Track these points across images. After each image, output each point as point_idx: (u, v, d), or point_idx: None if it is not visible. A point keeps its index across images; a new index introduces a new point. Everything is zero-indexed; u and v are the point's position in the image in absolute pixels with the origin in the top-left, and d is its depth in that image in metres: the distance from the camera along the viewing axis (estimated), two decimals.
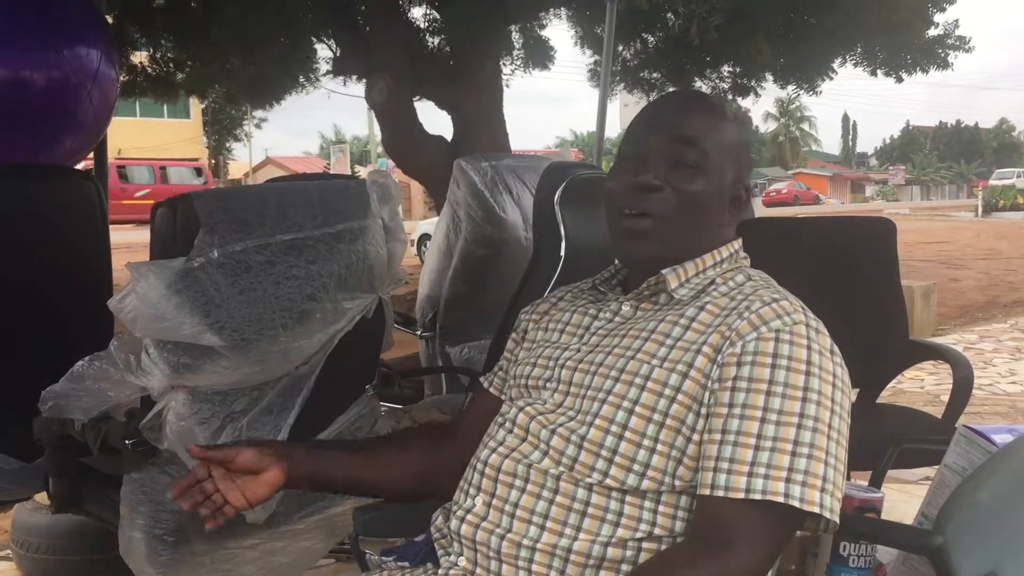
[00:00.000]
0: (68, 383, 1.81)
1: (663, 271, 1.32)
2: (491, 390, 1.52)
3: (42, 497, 2.44)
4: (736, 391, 1.19)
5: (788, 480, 1.13)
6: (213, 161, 38.96)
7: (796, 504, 1.13)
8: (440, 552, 1.34)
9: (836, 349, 1.24)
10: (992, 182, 48.77)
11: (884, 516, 1.61)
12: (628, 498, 1.22)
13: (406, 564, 1.40)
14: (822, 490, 1.14)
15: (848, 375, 1.23)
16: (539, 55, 9.58)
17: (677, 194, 1.29)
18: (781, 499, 1.13)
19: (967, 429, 1.56)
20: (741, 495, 1.14)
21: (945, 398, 2.80)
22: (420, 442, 1.53)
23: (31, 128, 3.37)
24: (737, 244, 1.38)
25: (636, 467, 1.22)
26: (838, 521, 1.16)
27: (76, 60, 3.43)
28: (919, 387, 5.41)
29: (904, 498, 3.08)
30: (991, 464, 1.43)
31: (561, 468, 1.25)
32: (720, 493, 1.16)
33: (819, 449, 1.15)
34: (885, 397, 3.04)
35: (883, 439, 2.16)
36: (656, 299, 1.34)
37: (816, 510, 1.14)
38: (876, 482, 2.11)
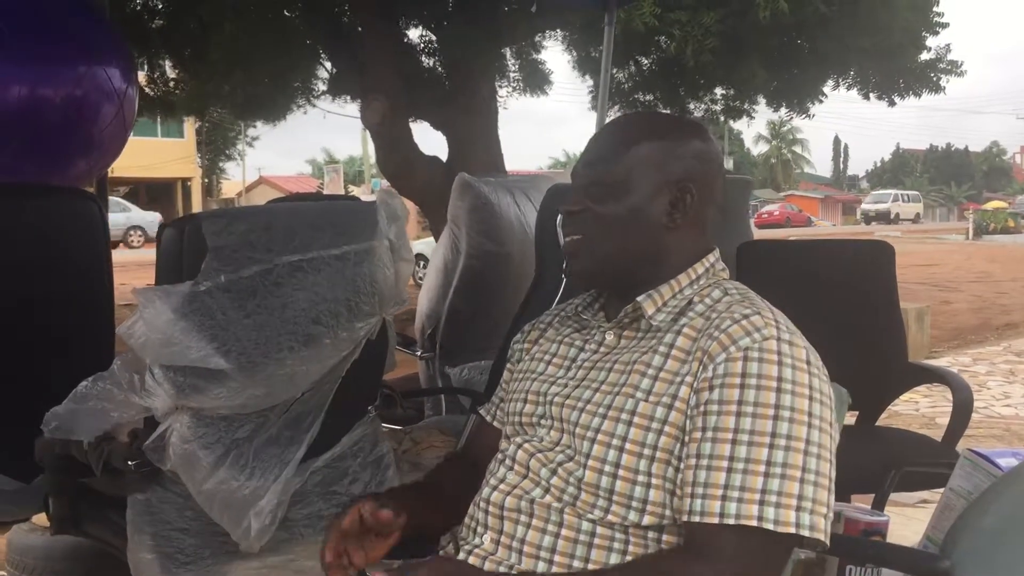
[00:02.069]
0: (71, 404, 1.81)
1: (638, 298, 1.32)
2: (495, 424, 1.52)
3: (39, 518, 2.42)
4: (708, 415, 1.19)
5: (762, 503, 1.13)
6: (206, 180, 38.99)
7: (770, 527, 1.12)
8: None
9: (814, 358, 1.22)
10: (865, 206, 47.78)
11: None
12: (632, 530, 1.22)
13: None
14: (798, 509, 1.13)
15: (828, 385, 1.22)
16: (536, 79, 9.63)
17: (593, 214, 1.34)
18: (755, 523, 1.13)
19: (972, 453, 1.57)
20: (715, 520, 1.14)
21: (940, 421, 2.82)
22: (458, 475, 1.50)
23: (47, 148, 3.36)
24: (712, 257, 1.37)
25: (635, 503, 1.22)
26: (822, 539, 1.15)
27: (94, 79, 3.42)
28: (914, 410, 5.42)
29: (902, 521, 3.08)
30: (997, 488, 1.43)
31: (563, 503, 1.26)
32: (696, 519, 1.16)
33: (793, 467, 1.14)
34: (880, 420, 3.05)
35: (884, 462, 2.17)
36: (637, 325, 1.34)
37: (792, 531, 1.13)
38: (878, 505, 2.11)
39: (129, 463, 1.82)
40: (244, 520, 1.82)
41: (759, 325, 1.22)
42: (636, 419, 1.23)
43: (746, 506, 1.13)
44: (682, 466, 1.20)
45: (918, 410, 5.41)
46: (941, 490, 1.66)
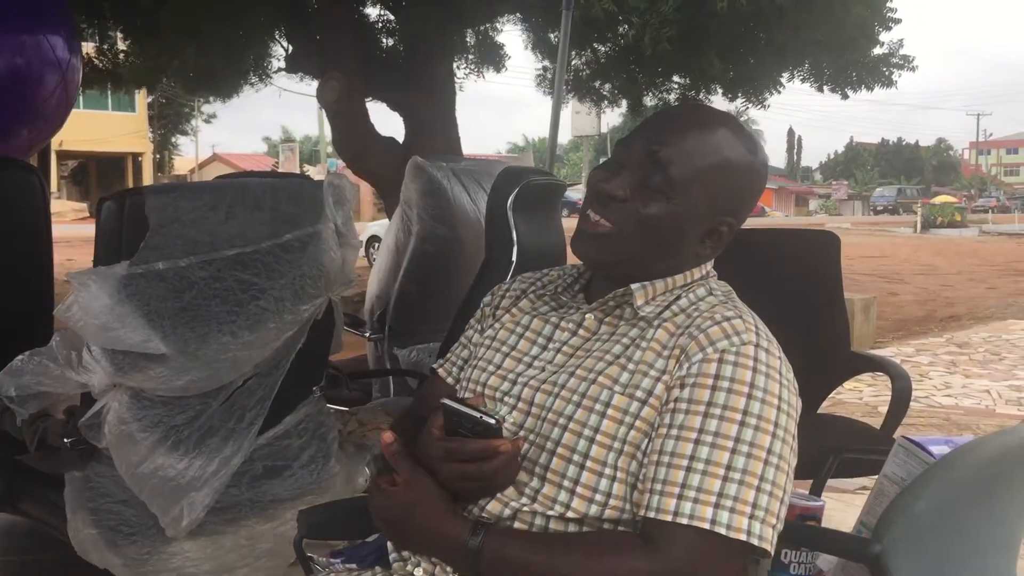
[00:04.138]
0: (7, 377, 1.77)
1: (632, 285, 1.29)
2: (448, 379, 1.48)
3: None
4: (676, 412, 1.19)
5: (717, 506, 1.13)
6: (158, 156, 38.32)
7: (723, 532, 1.12)
8: (394, 556, 1.33)
9: (786, 370, 1.22)
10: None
11: (823, 524, 1.64)
12: (587, 519, 1.22)
13: (354, 566, 1.39)
14: (751, 517, 1.13)
15: (796, 398, 1.22)
16: (492, 56, 9.57)
17: (636, 212, 1.26)
18: (707, 525, 1.12)
19: (906, 440, 1.59)
20: (669, 517, 1.14)
21: (883, 409, 2.86)
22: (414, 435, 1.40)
23: None
24: (710, 265, 1.36)
25: (598, 497, 1.21)
26: (768, 549, 1.15)
27: (38, 48, 3.33)
28: (858, 398, 5.52)
29: (841, 507, 3.13)
30: (929, 474, 1.46)
31: (524, 500, 1.24)
32: (652, 514, 1.16)
33: (752, 475, 1.14)
34: (825, 408, 3.09)
35: (824, 449, 2.20)
36: (621, 312, 1.32)
37: (743, 537, 1.13)
38: (816, 491, 2.15)
39: (65, 440, 1.79)
40: (175, 508, 1.80)
41: (739, 329, 1.22)
42: (610, 411, 1.22)
43: (700, 507, 1.13)
44: (645, 461, 1.20)
45: (861, 399, 5.51)
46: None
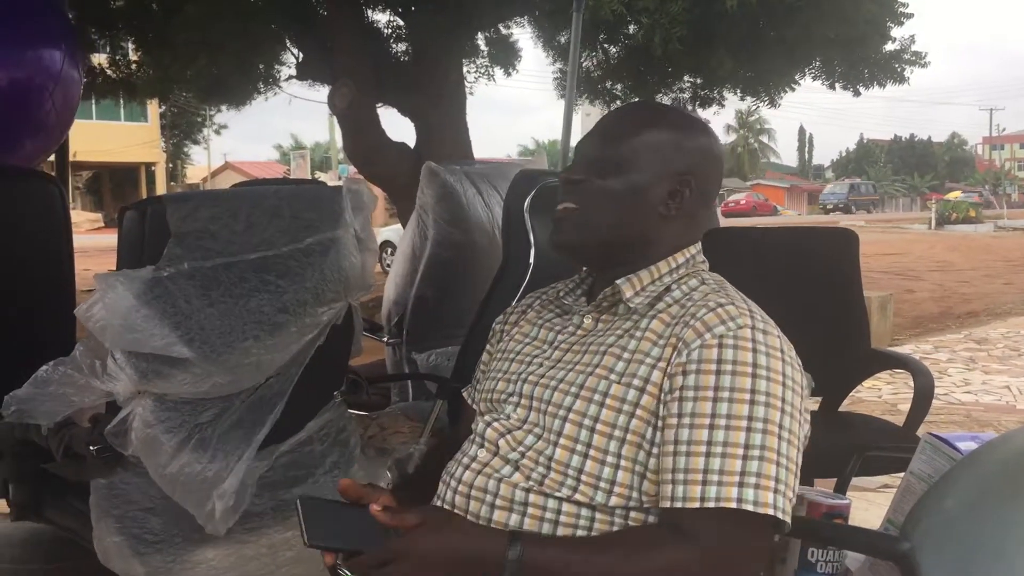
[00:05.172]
0: (32, 388, 1.78)
1: (618, 281, 1.34)
2: (474, 406, 1.51)
3: None
4: (684, 400, 1.21)
5: (741, 484, 1.15)
6: (171, 165, 38.52)
7: (750, 508, 1.14)
8: None
9: (787, 348, 1.25)
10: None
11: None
12: (598, 515, 1.24)
13: None
14: (775, 491, 1.15)
15: (800, 374, 1.25)
16: (507, 55, 9.57)
17: (594, 186, 1.35)
18: (734, 504, 1.14)
19: (932, 437, 1.59)
20: (696, 504, 1.16)
21: (902, 407, 2.86)
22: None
23: None
24: (694, 249, 1.40)
25: (603, 484, 1.24)
26: (789, 522, 1.17)
27: (38, 61, 3.37)
28: (876, 396, 5.50)
29: (864, 505, 3.12)
30: (956, 471, 1.45)
31: (531, 483, 1.27)
32: (679, 504, 1.17)
33: (770, 450, 1.17)
34: (844, 406, 3.08)
35: (847, 447, 2.19)
36: (615, 309, 1.36)
37: (771, 512, 1.15)
38: (840, 489, 2.14)
39: (91, 448, 1.80)
40: (208, 502, 1.81)
41: (734, 314, 1.24)
42: (608, 400, 1.25)
43: (726, 488, 1.15)
44: (655, 451, 1.22)
45: (881, 396, 5.49)
46: (902, 474, 1.67)
